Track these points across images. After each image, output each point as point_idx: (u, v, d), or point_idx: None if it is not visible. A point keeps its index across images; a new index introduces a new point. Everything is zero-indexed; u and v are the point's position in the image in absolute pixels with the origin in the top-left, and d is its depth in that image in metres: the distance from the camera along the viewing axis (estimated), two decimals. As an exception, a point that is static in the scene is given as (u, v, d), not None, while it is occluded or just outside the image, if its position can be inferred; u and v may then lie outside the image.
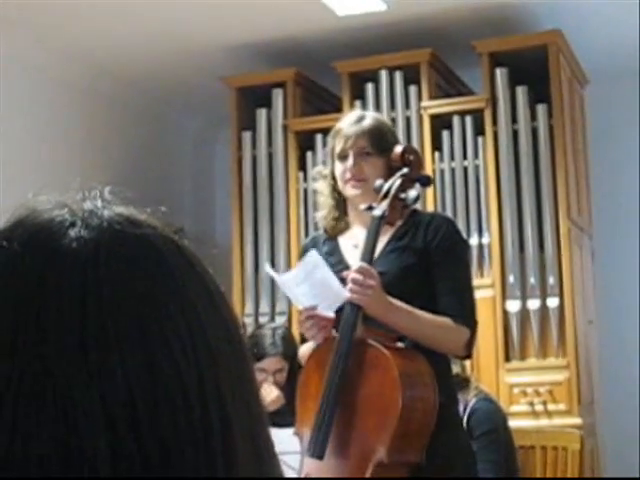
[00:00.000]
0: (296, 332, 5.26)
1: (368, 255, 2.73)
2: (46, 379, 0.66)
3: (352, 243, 2.89)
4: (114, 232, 0.72)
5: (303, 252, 3.04)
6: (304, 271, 2.78)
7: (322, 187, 3.00)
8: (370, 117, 2.96)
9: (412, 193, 2.80)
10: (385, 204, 2.76)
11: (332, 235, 2.96)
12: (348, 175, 2.86)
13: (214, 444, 0.69)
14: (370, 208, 2.77)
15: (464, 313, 2.79)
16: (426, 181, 2.98)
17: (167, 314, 0.70)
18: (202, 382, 0.69)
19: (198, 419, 0.68)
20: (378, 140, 2.88)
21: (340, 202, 2.95)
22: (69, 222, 0.72)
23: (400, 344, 2.76)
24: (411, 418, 2.63)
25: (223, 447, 0.69)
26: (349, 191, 2.88)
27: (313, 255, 2.79)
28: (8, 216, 0.74)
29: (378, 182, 2.81)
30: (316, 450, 2.61)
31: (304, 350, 2.95)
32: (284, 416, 3.81)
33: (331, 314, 2.74)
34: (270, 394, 4.05)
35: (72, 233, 0.71)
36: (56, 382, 0.66)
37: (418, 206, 3.06)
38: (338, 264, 2.83)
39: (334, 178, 2.93)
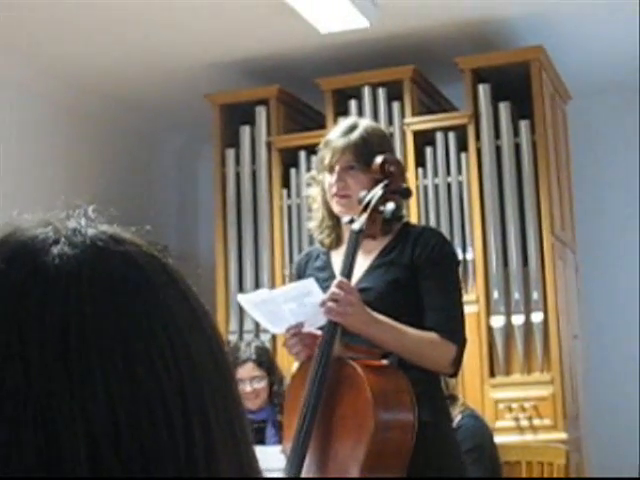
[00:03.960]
0: (280, 349, 5.25)
1: (346, 270, 2.68)
2: (28, 393, 0.66)
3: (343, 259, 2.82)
4: (97, 249, 0.72)
5: (297, 268, 3.01)
6: (297, 291, 2.75)
7: (315, 193, 2.94)
8: (361, 128, 2.86)
9: (389, 206, 2.72)
10: (364, 218, 2.71)
11: (327, 248, 2.91)
12: (334, 190, 2.81)
13: (196, 458, 0.69)
14: (352, 221, 2.73)
15: (451, 329, 2.72)
16: (405, 193, 2.86)
17: (149, 330, 0.70)
18: (184, 397, 0.69)
19: (180, 433, 0.68)
20: (364, 154, 2.80)
21: (332, 212, 2.89)
22: (52, 239, 0.72)
23: (384, 361, 2.70)
24: (386, 438, 2.57)
25: (206, 461, 0.69)
26: (335, 207, 2.84)
27: (310, 282, 2.74)
28: None
29: (362, 193, 2.75)
30: (292, 470, 2.57)
31: (294, 368, 2.93)
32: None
33: (317, 332, 2.72)
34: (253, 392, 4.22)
35: (55, 250, 0.71)
36: (37, 396, 0.66)
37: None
38: (329, 279, 2.77)
39: (324, 189, 2.88)
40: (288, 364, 4.14)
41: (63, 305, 0.68)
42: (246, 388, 4.21)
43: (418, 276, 2.76)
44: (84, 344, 0.67)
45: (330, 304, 2.62)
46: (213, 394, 0.72)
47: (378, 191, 2.74)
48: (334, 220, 2.90)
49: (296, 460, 2.57)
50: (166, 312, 0.72)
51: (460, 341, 2.73)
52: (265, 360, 4.35)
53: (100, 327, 0.68)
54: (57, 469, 0.65)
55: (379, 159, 2.79)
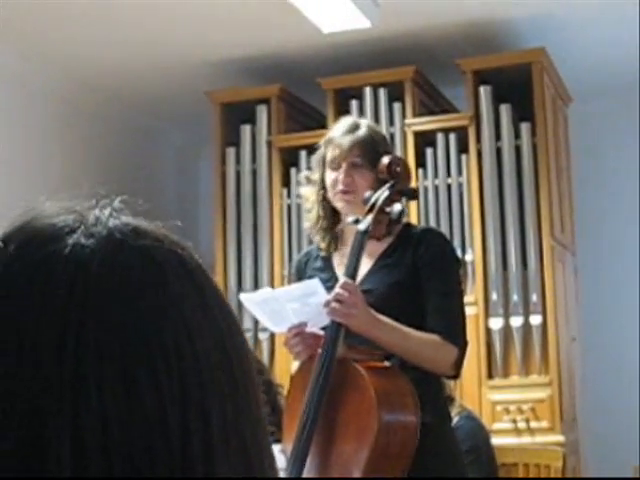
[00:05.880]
0: (279, 348, 5.25)
1: (351, 271, 2.67)
2: (17, 384, 0.63)
3: (345, 260, 2.78)
4: (113, 241, 0.69)
5: (297, 267, 2.99)
6: (300, 291, 2.73)
7: (309, 193, 2.92)
8: (364, 126, 2.86)
9: (396, 207, 2.71)
10: (370, 218, 2.69)
11: (325, 252, 2.89)
12: (340, 187, 2.79)
13: (193, 468, 0.65)
14: (357, 221, 2.71)
15: (453, 331, 2.72)
16: (411, 194, 2.88)
17: (154, 327, 0.66)
18: (185, 405, 0.65)
19: (177, 445, 0.64)
20: (371, 152, 2.80)
21: (329, 212, 2.87)
22: (70, 228, 0.69)
23: (386, 363, 2.69)
24: (389, 441, 2.56)
25: (204, 472, 0.65)
26: (338, 202, 2.82)
27: (315, 282, 2.72)
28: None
29: (367, 193, 2.73)
30: (293, 471, 2.56)
31: (294, 368, 2.92)
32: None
33: (320, 332, 2.71)
34: None
35: (70, 240, 0.68)
36: (26, 389, 0.63)
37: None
38: (330, 280, 2.77)
39: (324, 187, 2.86)
40: (287, 364, 4.13)
41: (66, 296, 0.65)
42: None
43: (420, 277, 2.75)
44: (81, 339, 0.64)
45: (334, 305, 2.60)
46: (221, 402, 0.67)
47: (384, 192, 2.73)
48: (328, 221, 2.88)
49: (297, 462, 2.55)
50: (178, 315, 0.68)
51: (461, 343, 2.74)
52: None
53: (100, 320, 0.65)
54: (38, 468, 0.62)
55: (386, 159, 2.78)
